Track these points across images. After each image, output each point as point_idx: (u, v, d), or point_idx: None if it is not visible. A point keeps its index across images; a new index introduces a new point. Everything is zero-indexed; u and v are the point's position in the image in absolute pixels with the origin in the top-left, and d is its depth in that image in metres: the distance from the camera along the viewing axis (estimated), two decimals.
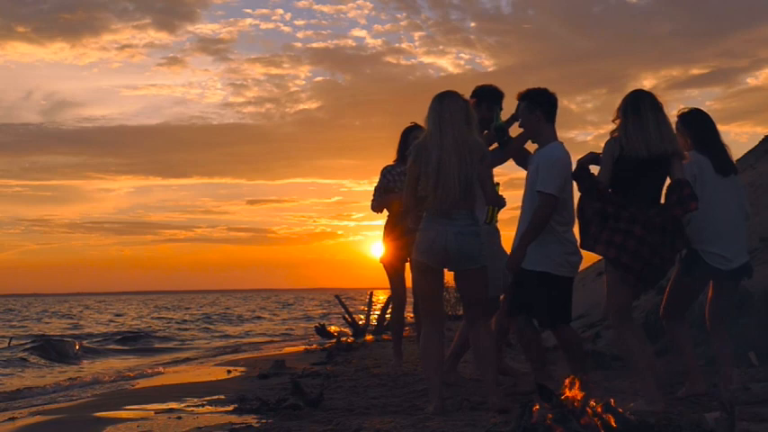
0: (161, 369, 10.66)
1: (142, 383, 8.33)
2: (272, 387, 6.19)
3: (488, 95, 5.10)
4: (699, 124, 4.55)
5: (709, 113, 4.65)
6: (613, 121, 4.27)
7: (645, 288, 4.41)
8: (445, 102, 4.27)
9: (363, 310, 16.63)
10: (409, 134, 6.08)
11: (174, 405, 5.44)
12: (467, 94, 5.25)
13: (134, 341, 18.02)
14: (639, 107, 4.14)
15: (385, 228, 6.35)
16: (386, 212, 6.36)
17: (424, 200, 4.26)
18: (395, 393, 5.10)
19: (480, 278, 4.31)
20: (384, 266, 6.42)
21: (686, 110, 4.63)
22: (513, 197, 4.86)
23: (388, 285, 6.58)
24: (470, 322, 4.41)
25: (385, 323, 14.20)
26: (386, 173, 6.32)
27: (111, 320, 30.28)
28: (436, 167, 4.16)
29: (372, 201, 6.33)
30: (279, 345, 15.31)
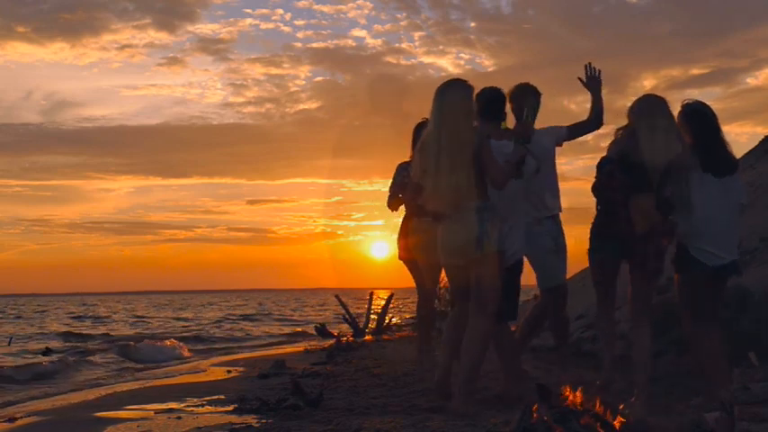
0: None
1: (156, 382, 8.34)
2: (272, 387, 6.18)
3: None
4: (697, 121, 4.54)
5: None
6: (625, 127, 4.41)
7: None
8: (446, 94, 4.24)
9: (363, 311, 16.65)
10: (420, 130, 6.01)
11: (174, 405, 5.44)
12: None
13: (200, 341, 17.83)
14: (655, 115, 4.31)
15: None
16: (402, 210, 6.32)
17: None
18: (395, 393, 5.10)
19: (492, 264, 4.19)
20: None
21: (689, 102, 4.63)
22: None
23: (388, 285, 6.60)
24: (472, 313, 4.25)
25: (385, 323, 14.20)
26: (401, 170, 6.28)
27: (146, 321, 29.98)
28: (433, 171, 4.19)
29: (388, 198, 6.31)
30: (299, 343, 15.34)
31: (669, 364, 5.86)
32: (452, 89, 4.26)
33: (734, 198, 4.50)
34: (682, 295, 4.59)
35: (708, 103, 4.62)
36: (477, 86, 4.69)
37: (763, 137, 15.60)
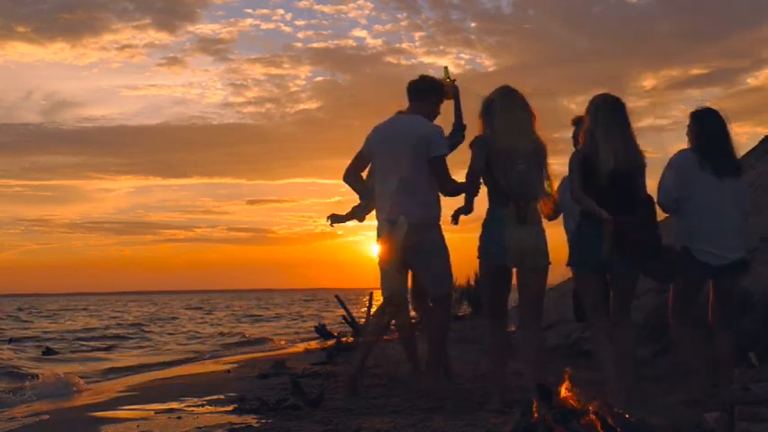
0: None
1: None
2: (272, 387, 6.18)
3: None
4: (701, 123, 4.55)
5: None
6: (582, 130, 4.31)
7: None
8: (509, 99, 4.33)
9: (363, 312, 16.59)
10: None
11: (174, 405, 5.43)
12: (468, 95, 5.32)
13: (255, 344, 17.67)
14: (611, 120, 4.17)
15: None
16: None
17: None
18: (395, 393, 5.10)
19: None
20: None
21: (700, 105, 4.65)
22: None
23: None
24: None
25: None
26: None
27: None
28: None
29: None
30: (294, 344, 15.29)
31: (669, 363, 5.86)
32: (519, 96, 4.30)
33: (737, 199, 4.47)
34: (678, 296, 4.59)
35: (708, 103, 4.63)
36: (478, 86, 4.73)
37: (763, 137, 15.57)
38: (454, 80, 5.41)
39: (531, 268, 4.20)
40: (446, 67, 5.34)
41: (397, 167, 4.91)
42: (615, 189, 4.11)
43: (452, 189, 4.80)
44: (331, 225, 5.68)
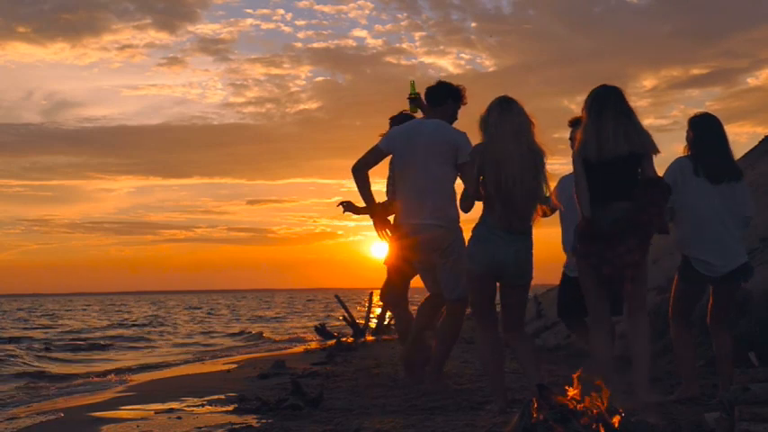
0: None
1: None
2: (272, 387, 6.18)
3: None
4: (699, 128, 4.53)
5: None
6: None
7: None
8: (514, 107, 4.21)
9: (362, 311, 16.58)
10: (395, 123, 5.79)
11: (174, 405, 5.43)
12: (468, 96, 5.30)
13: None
14: (601, 110, 4.07)
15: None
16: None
17: None
18: (395, 393, 5.10)
19: None
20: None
21: (697, 113, 4.63)
22: None
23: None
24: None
25: (385, 323, 14.20)
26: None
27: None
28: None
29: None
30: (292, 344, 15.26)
31: (669, 363, 5.86)
32: (516, 104, 4.22)
33: (736, 205, 4.43)
34: (678, 299, 4.58)
35: (708, 103, 4.74)
36: (478, 86, 4.73)
37: (763, 137, 15.62)
38: (419, 94, 5.39)
39: (513, 284, 4.17)
40: (412, 81, 5.35)
41: (424, 170, 4.91)
42: (612, 177, 4.03)
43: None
44: (343, 212, 5.58)
